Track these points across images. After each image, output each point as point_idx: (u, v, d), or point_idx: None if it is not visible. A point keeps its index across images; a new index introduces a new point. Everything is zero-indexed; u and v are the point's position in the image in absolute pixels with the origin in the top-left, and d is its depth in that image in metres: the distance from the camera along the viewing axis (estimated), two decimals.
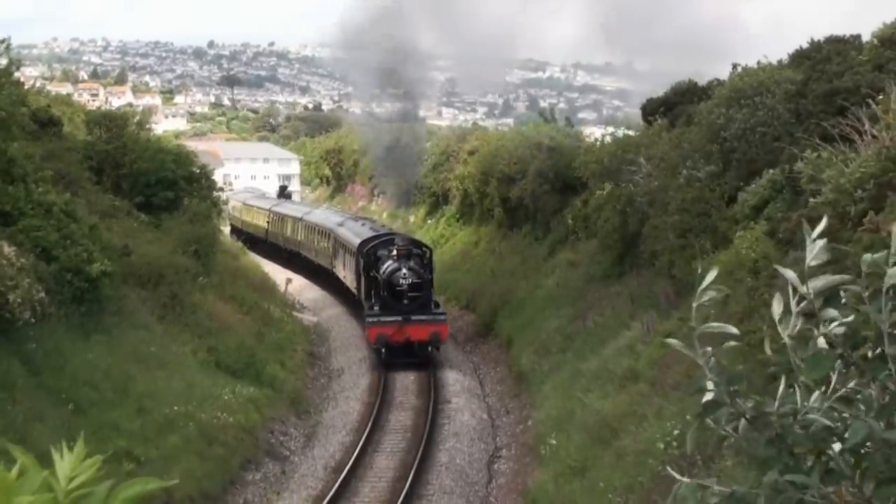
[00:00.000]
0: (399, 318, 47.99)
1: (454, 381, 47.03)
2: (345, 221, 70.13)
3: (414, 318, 48.51)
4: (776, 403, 5.49)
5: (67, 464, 1.56)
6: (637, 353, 38.63)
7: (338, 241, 65.25)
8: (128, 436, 34.74)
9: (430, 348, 48.51)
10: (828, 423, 6.07)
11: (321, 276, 76.89)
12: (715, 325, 5.45)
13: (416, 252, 53.53)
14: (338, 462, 39.29)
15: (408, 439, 40.81)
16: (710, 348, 5.52)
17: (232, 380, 44.16)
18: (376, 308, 50.04)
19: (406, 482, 36.92)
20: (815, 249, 5.18)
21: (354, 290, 61.31)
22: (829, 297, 5.68)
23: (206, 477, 35.57)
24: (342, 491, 36.19)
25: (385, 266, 50.06)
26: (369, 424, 42.86)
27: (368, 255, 54.72)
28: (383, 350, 48.44)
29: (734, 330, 5.43)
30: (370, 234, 59.36)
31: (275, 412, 44.13)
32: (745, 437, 5.97)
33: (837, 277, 5.15)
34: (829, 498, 5.86)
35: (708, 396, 5.68)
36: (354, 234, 61.75)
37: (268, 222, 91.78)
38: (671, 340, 5.45)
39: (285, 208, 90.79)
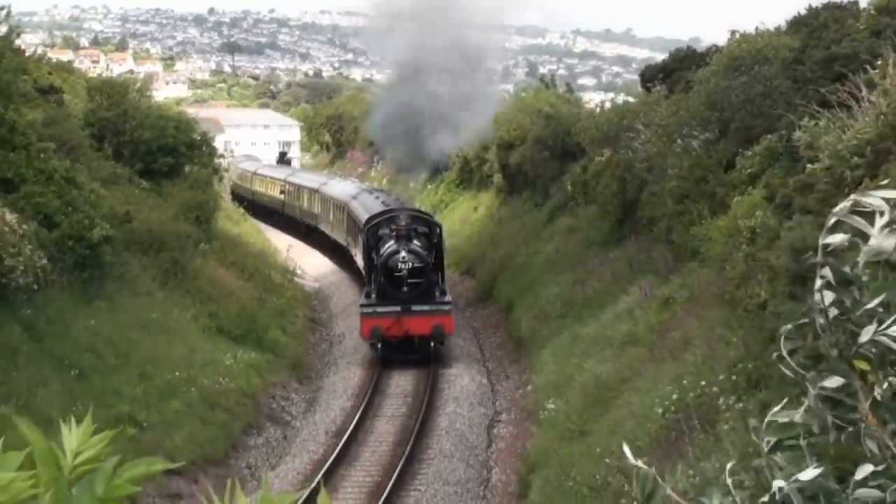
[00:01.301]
0: (397, 309, 43.76)
1: (454, 346, 46.86)
2: (359, 194, 66.10)
3: (414, 308, 43.96)
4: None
5: (75, 438, 1.58)
6: (635, 318, 38.65)
7: (351, 216, 61.28)
8: (130, 401, 34.85)
9: (432, 344, 44.18)
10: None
11: (338, 252, 71.41)
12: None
13: (422, 230, 48.90)
14: (339, 427, 39.27)
15: (408, 404, 40.77)
16: None
17: (233, 345, 44.16)
18: (373, 296, 45.90)
19: (407, 446, 36.90)
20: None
21: (364, 274, 54.21)
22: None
23: (208, 442, 35.65)
24: (343, 455, 36.19)
25: (384, 247, 46.15)
26: (370, 389, 42.67)
27: (370, 233, 49.98)
28: (378, 345, 44.40)
29: None
30: (379, 208, 54.69)
31: (276, 377, 44.18)
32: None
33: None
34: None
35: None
36: (365, 208, 57.70)
37: (283, 193, 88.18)
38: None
39: (301, 178, 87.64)
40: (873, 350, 5.90)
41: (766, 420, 6.11)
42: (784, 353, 6.57)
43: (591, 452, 30.35)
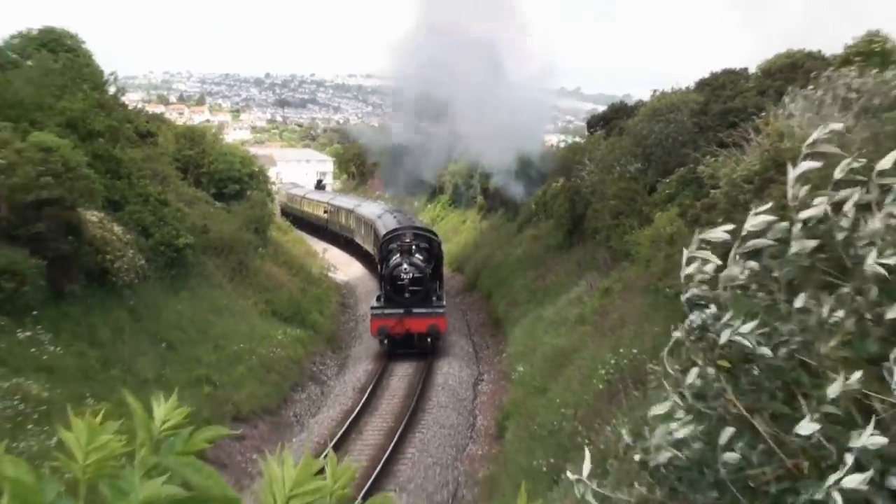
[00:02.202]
0: (400, 311, 42.44)
1: (449, 323, 46.87)
2: (383, 214, 64.46)
3: (414, 311, 42.70)
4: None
5: (163, 410, 1.55)
6: (583, 303, 38.77)
7: (375, 231, 59.87)
8: (207, 366, 35.02)
9: (428, 339, 43.15)
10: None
11: (368, 259, 69.43)
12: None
13: (423, 246, 47.50)
14: (363, 384, 39.37)
15: (414, 366, 40.81)
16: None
17: (283, 324, 44.30)
18: (381, 300, 44.63)
19: (413, 399, 37.06)
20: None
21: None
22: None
23: (264, 396, 35.73)
24: (366, 405, 36.33)
25: (392, 260, 44.99)
26: (387, 356, 43.08)
27: (382, 247, 48.80)
28: (385, 341, 43.36)
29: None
30: (393, 226, 52.95)
31: (315, 348, 44.25)
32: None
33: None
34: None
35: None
36: (384, 226, 56.22)
37: (326, 213, 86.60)
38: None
39: (340, 201, 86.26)
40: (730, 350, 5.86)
41: (650, 414, 6.06)
42: (665, 359, 6.53)
43: (550, 404, 30.41)
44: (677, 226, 30.50)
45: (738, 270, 6.07)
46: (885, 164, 6.34)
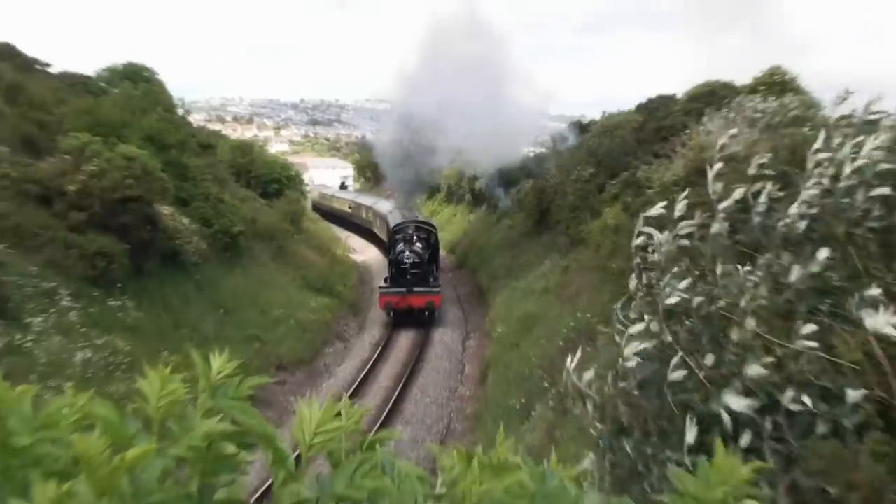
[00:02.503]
0: (403, 290, 41.93)
1: (443, 298, 46.84)
2: (394, 210, 63.26)
3: (415, 289, 42.04)
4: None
5: (218, 362, 1.57)
6: (548, 278, 38.78)
7: (387, 223, 57.57)
8: (255, 327, 35.04)
9: (426, 313, 42.40)
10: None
11: (383, 245, 65.23)
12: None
13: (423, 236, 46.52)
14: (377, 341, 39.43)
15: (417, 327, 40.82)
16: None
17: (315, 294, 44.25)
18: (388, 281, 43.77)
19: (417, 351, 37.20)
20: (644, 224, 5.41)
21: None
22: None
23: (301, 350, 35.75)
24: (380, 357, 36.41)
25: (397, 247, 44.41)
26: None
27: (391, 237, 48.23)
28: (391, 313, 42.79)
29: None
30: (400, 220, 52.38)
31: (340, 313, 44.20)
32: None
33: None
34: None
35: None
36: (393, 219, 55.14)
37: (350, 208, 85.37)
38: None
39: (361, 199, 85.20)
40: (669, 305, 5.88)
41: (626, 334, 6.10)
42: (618, 313, 6.56)
43: (522, 356, 30.47)
44: (620, 218, 30.52)
45: (673, 246, 6.21)
46: (761, 160, 6.39)
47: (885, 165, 5.84)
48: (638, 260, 6.51)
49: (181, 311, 32.46)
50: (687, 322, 6.14)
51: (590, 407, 6.62)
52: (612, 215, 31.87)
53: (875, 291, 4.98)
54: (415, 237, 45.00)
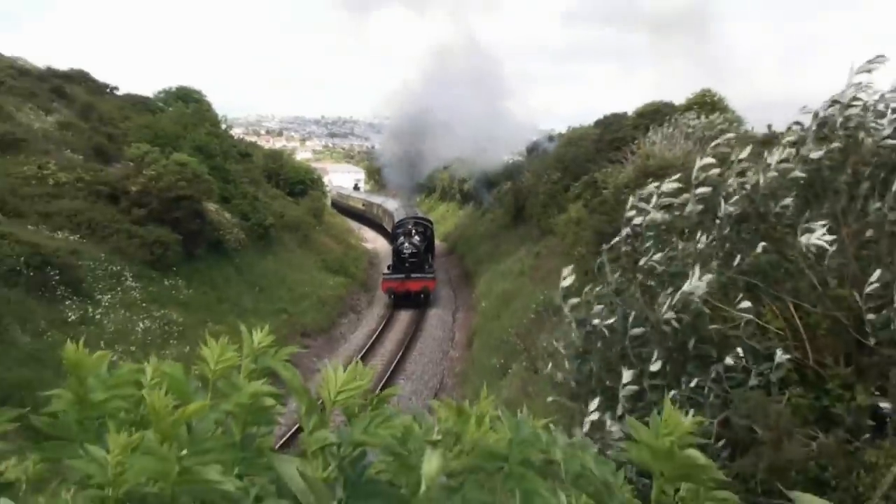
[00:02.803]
0: (402, 276, 40.74)
1: (438, 275, 46.86)
2: (398, 207, 62.81)
3: (412, 276, 40.76)
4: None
5: (257, 336, 1.58)
6: (522, 262, 38.75)
7: (393, 219, 56.46)
8: (285, 302, 35.06)
9: (421, 296, 40.91)
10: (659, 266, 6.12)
11: (390, 237, 68.30)
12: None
13: (420, 230, 45.62)
14: (383, 314, 39.37)
15: (416, 305, 40.74)
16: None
17: (333, 275, 44.16)
18: (389, 269, 42.88)
19: (415, 322, 37.26)
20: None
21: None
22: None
23: (321, 320, 35.74)
24: (384, 327, 36.34)
25: (398, 240, 43.51)
26: None
27: (394, 230, 47.75)
28: (391, 296, 41.33)
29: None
30: (402, 216, 51.82)
31: (353, 290, 44.09)
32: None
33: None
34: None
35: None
36: (398, 215, 54.94)
37: (364, 206, 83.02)
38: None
39: (372, 198, 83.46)
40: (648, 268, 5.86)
41: (594, 293, 6.08)
42: (605, 260, 6.53)
43: (502, 326, 30.47)
44: (582, 213, 30.49)
45: (659, 217, 6.25)
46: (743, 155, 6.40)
47: (797, 174, 5.91)
48: (627, 229, 6.60)
49: (224, 289, 32.50)
50: (650, 282, 6.21)
51: (551, 367, 6.67)
52: (575, 210, 31.86)
53: (816, 224, 5.14)
54: (413, 231, 44.38)
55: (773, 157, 5.96)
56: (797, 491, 1.44)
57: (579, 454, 1.32)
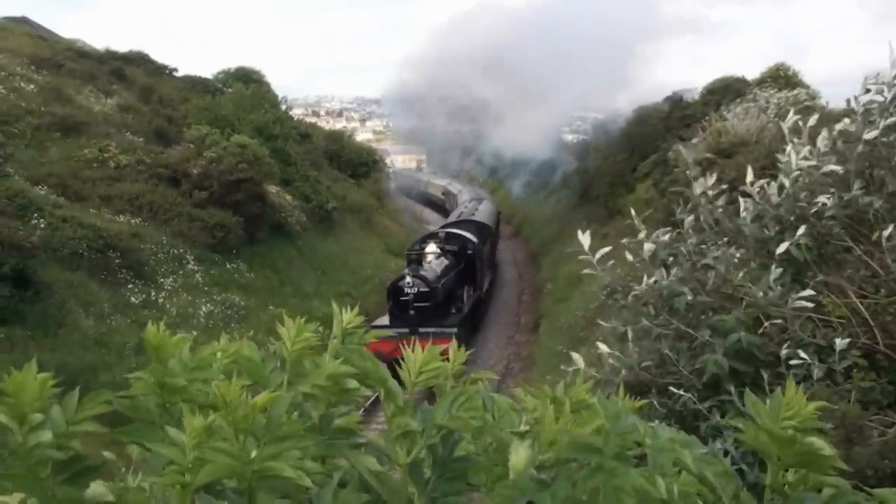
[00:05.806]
0: (404, 330, 24.02)
1: (503, 259, 46.78)
2: (461, 189, 61.77)
3: (422, 329, 25.00)
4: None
5: (348, 316, 1.60)
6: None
7: (457, 201, 55.80)
8: (347, 284, 35.31)
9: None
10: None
11: None
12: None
13: (449, 249, 31.92)
14: None
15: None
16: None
17: (394, 257, 44.32)
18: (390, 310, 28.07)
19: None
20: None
21: None
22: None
23: (384, 303, 35.99)
24: None
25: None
26: None
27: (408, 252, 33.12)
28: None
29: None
30: (453, 218, 43.66)
31: None
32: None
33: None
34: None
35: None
36: (461, 198, 53.67)
37: (444, 195, 74.15)
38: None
39: (436, 180, 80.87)
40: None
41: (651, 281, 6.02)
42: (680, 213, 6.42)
43: (568, 309, 30.33)
44: (651, 192, 30.19)
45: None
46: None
47: (832, 167, 5.83)
48: (688, 222, 6.62)
49: (286, 272, 32.86)
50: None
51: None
52: (644, 190, 31.55)
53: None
54: (474, 213, 42.34)
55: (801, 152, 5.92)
56: (872, 487, 1.40)
57: (677, 449, 1.27)
